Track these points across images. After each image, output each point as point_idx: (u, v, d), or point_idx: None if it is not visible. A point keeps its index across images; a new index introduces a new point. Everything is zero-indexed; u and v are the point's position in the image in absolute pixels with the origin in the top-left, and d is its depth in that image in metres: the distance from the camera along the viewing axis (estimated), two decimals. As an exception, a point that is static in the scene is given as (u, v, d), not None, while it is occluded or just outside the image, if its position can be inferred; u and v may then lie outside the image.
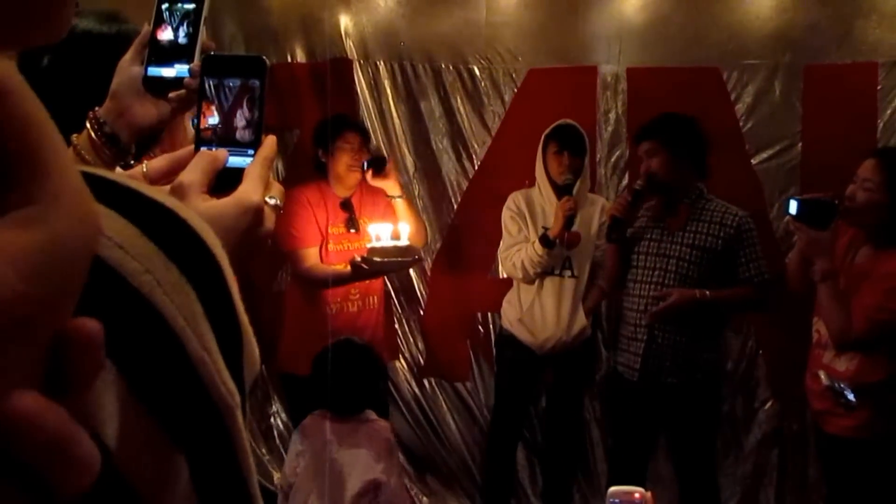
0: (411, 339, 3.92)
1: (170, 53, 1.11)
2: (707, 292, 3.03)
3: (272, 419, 3.97)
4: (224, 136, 0.82)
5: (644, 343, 3.08)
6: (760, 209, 3.53)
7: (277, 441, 3.94)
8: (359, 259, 3.14)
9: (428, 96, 3.86)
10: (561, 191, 3.26)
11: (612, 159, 3.79)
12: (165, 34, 1.12)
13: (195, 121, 0.84)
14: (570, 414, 3.53)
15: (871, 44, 3.54)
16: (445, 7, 3.81)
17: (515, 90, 3.82)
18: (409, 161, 3.87)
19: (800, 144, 3.62)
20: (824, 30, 3.50)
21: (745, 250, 3.04)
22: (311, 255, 3.34)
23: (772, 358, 3.62)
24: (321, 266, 3.34)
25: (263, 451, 3.93)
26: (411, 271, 3.79)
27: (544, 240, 3.25)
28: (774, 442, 3.66)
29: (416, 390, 3.86)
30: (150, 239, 0.36)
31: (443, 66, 3.84)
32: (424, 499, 3.85)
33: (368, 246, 3.14)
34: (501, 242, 3.44)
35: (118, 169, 1.15)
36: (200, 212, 0.70)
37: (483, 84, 3.83)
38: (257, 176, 0.78)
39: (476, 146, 3.87)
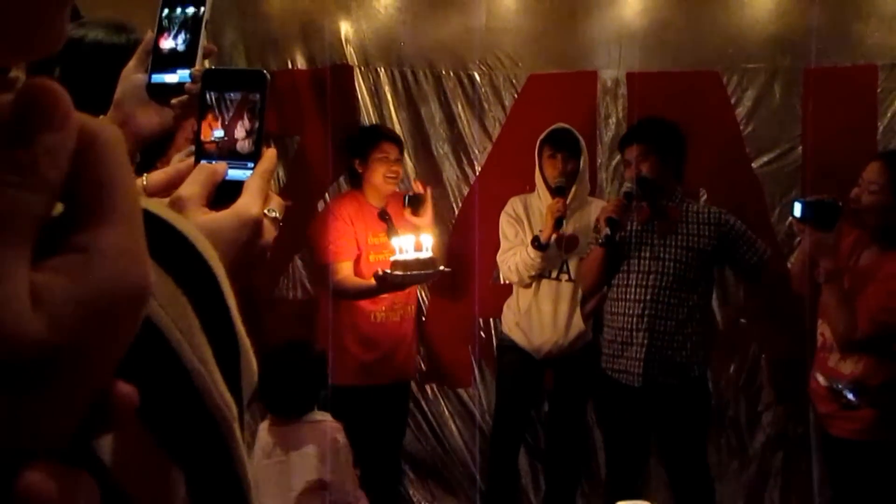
0: (413, 345, 3.92)
1: (172, 60, 1.12)
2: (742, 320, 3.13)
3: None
4: (224, 149, 0.82)
5: (645, 347, 3.08)
6: (762, 213, 3.53)
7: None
8: (381, 272, 3.17)
9: (428, 102, 3.86)
10: (556, 194, 3.26)
11: (613, 164, 3.79)
12: (168, 41, 1.12)
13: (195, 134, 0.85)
14: (572, 419, 3.52)
15: (871, 46, 3.55)
16: (445, 13, 3.81)
17: (516, 96, 3.82)
18: (410, 167, 3.87)
19: (800, 147, 3.61)
20: (823, 33, 3.49)
21: (740, 240, 3.10)
22: (343, 269, 3.38)
23: (775, 361, 3.62)
24: (351, 278, 3.38)
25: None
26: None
27: (536, 243, 3.26)
28: (779, 445, 3.65)
29: (419, 396, 3.85)
30: None
31: (443, 72, 3.85)
32: (427, 505, 3.85)
33: (392, 259, 3.18)
34: (500, 247, 3.45)
35: None
36: (199, 224, 0.70)
37: (483, 90, 3.83)
38: (256, 189, 0.78)
39: (477, 152, 3.87)
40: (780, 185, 3.62)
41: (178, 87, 1.12)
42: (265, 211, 0.78)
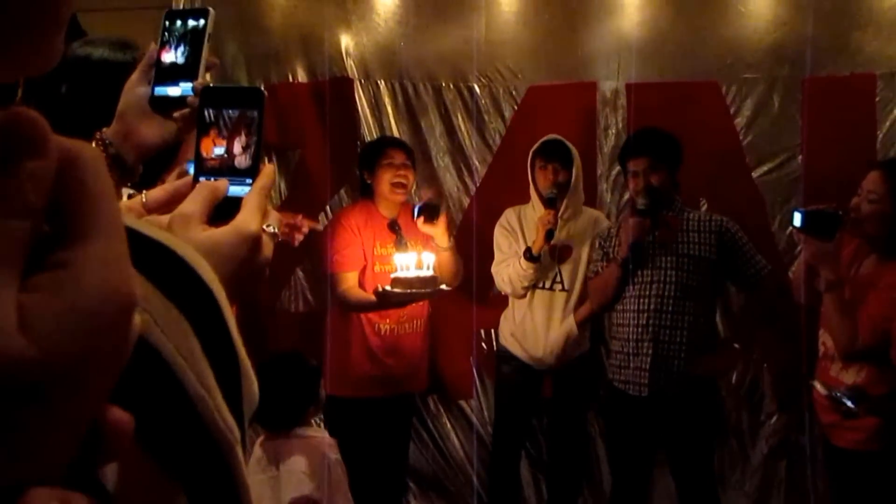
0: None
1: (175, 73, 1.13)
2: (736, 345, 3.18)
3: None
4: (223, 166, 0.83)
5: (650, 357, 3.08)
6: (762, 222, 3.54)
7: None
8: (381, 289, 3.14)
9: (428, 114, 3.88)
10: (548, 205, 3.27)
11: (613, 174, 3.80)
12: (170, 54, 1.14)
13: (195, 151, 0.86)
14: (571, 429, 3.52)
15: (869, 55, 3.56)
16: (445, 26, 3.83)
17: (515, 107, 3.83)
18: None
19: (800, 157, 3.62)
20: (822, 43, 3.51)
21: (740, 251, 3.10)
22: (348, 279, 3.36)
23: (777, 370, 3.61)
24: (355, 290, 3.36)
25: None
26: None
27: (528, 254, 3.28)
28: (782, 455, 3.64)
29: (421, 408, 3.85)
30: (146, 278, 0.36)
31: (443, 84, 3.86)
32: (430, 517, 3.83)
33: (392, 276, 3.15)
34: (494, 259, 3.47)
35: (124, 198, 1.16)
36: (198, 242, 0.70)
37: (483, 102, 3.85)
38: (255, 205, 0.78)
39: (477, 163, 3.88)
40: (781, 195, 3.63)
41: (181, 100, 1.13)
42: (264, 226, 0.78)
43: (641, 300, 3.11)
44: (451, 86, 3.85)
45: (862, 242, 2.71)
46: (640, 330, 3.11)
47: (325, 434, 2.74)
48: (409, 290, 3.12)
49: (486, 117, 3.85)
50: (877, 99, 3.56)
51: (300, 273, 3.93)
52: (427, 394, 3.83)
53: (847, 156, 3.34)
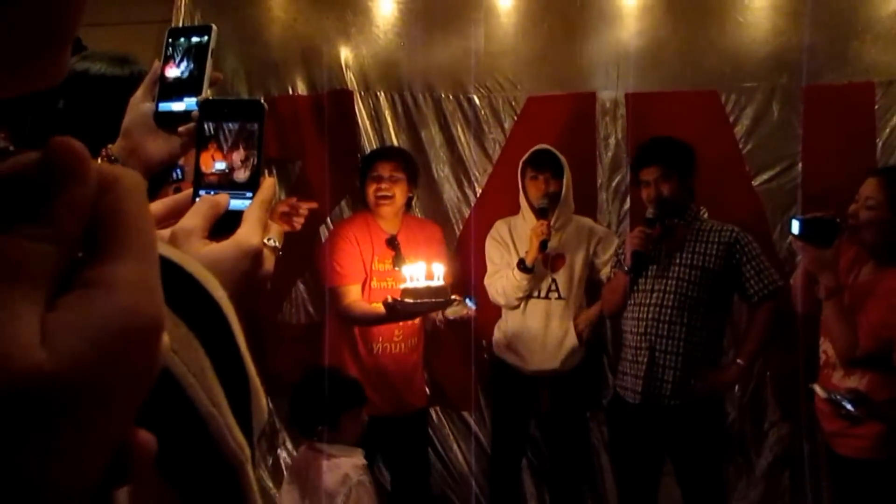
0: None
1: (179, 88, 1.14)
2: (739, 361, 3.11)
3: (278, 451, 3.95)
4: (223, 180, 0.83)
5: (645, 365, 3.08)
6: (763, 230, 3.53)
7: (285, 473, 3.91)
8: (391, 300, 3.08)
9: (428, 125, 3.88)
10: (539, 216, 3.27)
11: (613, 184, 3.80)
12: (174, 70, 1.14)
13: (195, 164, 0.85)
14: (570, 437, 3.50)
15: (868, 64, 3.57)
16: (444, 37, 3.84)
17: (515, 118, 3.84)
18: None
19: (800, 165, 3.62)
20: (821, 51, 3.52)
21: (749, 265, 3.06)
22: (351, 292, 3.31)
23: (780, 379, 3.60)
24: (360, 304, 3.30)
25: (273, 483, 3.91)
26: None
27: (522, 265, 3.29)
28: (786, 464, 3.63)
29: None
30: None
31: (443, 95, 3.87)
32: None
33: (401, 287, 3.09)
34: (486, 271, 3.47)
35: None
36: (200, 256, 0.70)
37: (483, 112, 3.85)
38: (256, 219, 0.78)
39: (477, 174, 3.88)
40: (781, 203, 3.63)
41: (185, 115, 1.13)
42: (265, 240, 0.78)
43: (641, 308, 3.11)
44: (451, 97, 3.86)
45: (860, 249, 2.71)
46: (638, 338, 3.11)
47: (357, 455, 2.74)
48: (419, 301, 3.05)
49: (485, 128, 3.86)
50: (875, 107, 3.57)
51: (301, 285, 3.94)
52: (430, 406, 3.82)
53: (846, 164, 3.34)
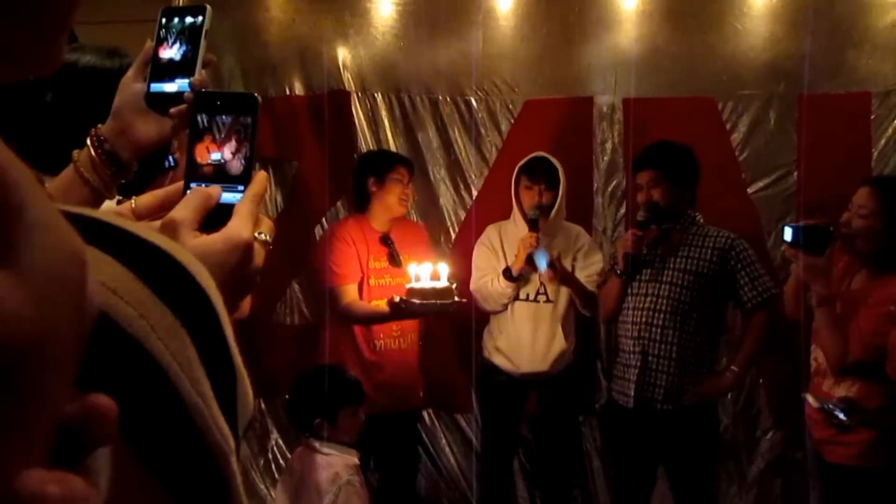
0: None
1: (172, 69, 1.12)
2: (733, 368, 3.11)
3: (269, 453, 3.94)
4: (215, 172, 0.82)
5: (637, 370, 3.08)
6: (758, 238, 3.54)
7: (276, 474, 3.90)
8: (398, 300, 3.10)
9: (425, 128, 3.89)
10: (530, 227, 3.28)
11: (610, 189, 3.81)
12: (167, 50, 1.13)
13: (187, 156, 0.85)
14: (561, 440, 3.50)
15: (864, 74, 3.58)
16: (442, 39, 3.84)
17: (512, 121, 3.85)
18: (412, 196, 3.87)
19: (796, 173, 3.63)
20: (818, 60, 3.53)
21: (743, 272, 3.06)
22: (350, 292, 3.33)
23: (773, 386, 3.61)
24: (360, 303, 3.33)
25: (265, 484, 3.90)
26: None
27: (508, 274, 3.31)
28: (778, 471, 3.63)
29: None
30: (144, 283, 0.35)
31: (440, 97, 3.87)
32: (424, 531, 3.81)
33: (407, 287, 3.11)
34: (472, 276, 3.46)
35: (111, 204, 1.15)
36: (190, 248, 0.70)
37: (480, 115, 3.86)
38: (247, 212, 0.77)
39: (473, 177, 3.88)
40: (776, 211, 3.64)
41: (178, 97, 1.11)
42: (255, 234, 0.77)
43: (635, 312, 3.12)
44: (449, 99, 3.87)
45: (853, 258, 2.72)
46: (631, 342, 3.12)
47: (351, 455, 2.76)
48: (424, 301, 3.07)
49: (482, 131, 3.86)
50: (872, 117, 3.58)
51: (296, 286, 3.93)
52: (423, 408, 3.82)
53: (842, 173, 3.35)
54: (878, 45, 3.56)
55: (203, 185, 0.81)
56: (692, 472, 3.12)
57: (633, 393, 3.09)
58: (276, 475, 3.87)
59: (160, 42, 1.13)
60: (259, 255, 0.78)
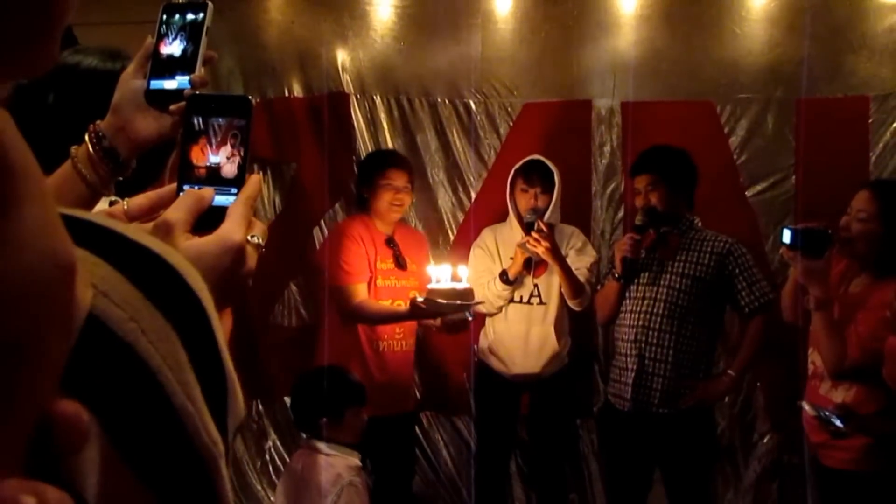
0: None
1: (172, 66, 1.11)
2: (730, 372, 3.12)
3: (266, 454, 3.94)
4: (208, 175, 0.82)
5: (634, 373, 3.08)
6: (756, 241, 3.55)
7: (273, 476, 3.90)
8: (420, 299, 3.08)
9: (424, 130, 3.89)
10: (527, 230, 3.28)
11: (608, 192, 3.81)
12: (168, 47, 1.12)
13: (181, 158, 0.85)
14: (555, 442, 3.50)
15: (862, 78, 3.58)
16: (441, 42, 3.84)
17: (511, 124, 3.85)
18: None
19: (793, 177, 3.64)
20: (816, 65, 3.53)
21: (741, 276, 3.07)
22: (361, 291, 3.29)
23: (770, 390, 3.61)
24: (372, 302, 3.31)
25: (262, 486, 3.89)
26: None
27: (504, 277, 3.32)
28: (774, 475, 3.63)
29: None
30: (135, 285, 0.35)
31: (439, 100, 3.87)
32: (421, 533, 3.81)
33: (429, 287, 3.10)
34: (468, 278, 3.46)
35: (104, 205, 1.14)
36: (182, 250, 0.70)
37: (479, 118, 3.86)
38: (240, 215, 0.77)
39: (472, 179, 3.89)
40: (774, 214, 3.64)
41: (178, 94, 1.10)
42: (248, 237, 0.77)
43: (632, 316, 3.12)
44: (447, 102, 3.87)
45: (851, 262, 2.72)
46: (628, 345, 3.12)
47: (353, 456, 2.76)
48: (446, 301, 3.06)
49: (481, 133, 3.86)
50: (870, 121, 3.59)
51: (293, 287, 3.93)
52: (421, 410, 3.82)
53: (840, 177, 3.35)
54: (876, 50, 3.57)
55: (196, 187, 0.81)
56: (689, 475, 3.12)
57: (629, 396, 3.09)
58: (274, 477, 3.87)
59: (161, 38, 1.12)
60: (251, 258, 0.77)
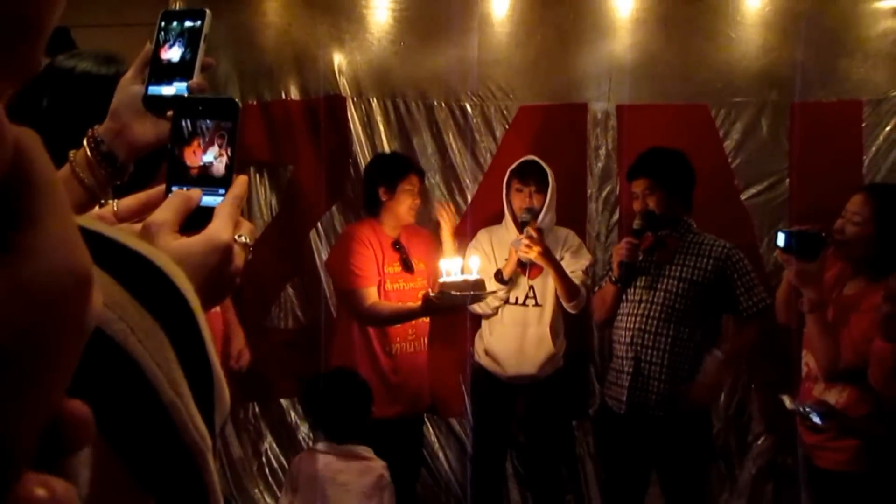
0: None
1: (170, 72, 1.13)
2: (717, 353, 3.12)
3: (263, 456, 3.94)
4: (196, 176, 0.84)
5: (630, 376, 3.09)
6: (750, 244, 3.56)
7: (270, 478, 3.91)
8: (433, 294, 3.11)
9: (420, 133, 3.90)
10: (521, 230, 3.29)
11: (603, 194, 3.83)
12: (166, 53, 1.13)
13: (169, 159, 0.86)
14: (549, 443, 3.51)
15: (856, 82, 3.60)
16: (438, 45, 3.86)
17: (507, 127, 3.86)
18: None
19: (787, 180, 3.65)
20: (810, 69, 3.55)
21: (739, 281, 3.07)
22: (372, 294, 3.31)
23: (765, 391, 3.62)
24: (383, 303, 3.32)
25: (258, 488, 3.90)
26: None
27: (499, 277, 3.33)
28: (769, 476, 3.65)
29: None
30: (123, 287, 0.37)
31: (435, 103, 3.88)
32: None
33: (440, 280, 3.12)
34: None
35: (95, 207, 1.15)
36: (170, 250, 0.71)
37: (475, 121, 3.87)
38: (227, 215, 0.78)
39: (468, 182, 3.90)
40: (769, 217, 3.66)
41: (175, 100, 1.12)
42: (236, 237, 0.78)
43: (629, 319, 3.13)
44: (444, 104, 3.88)
45: (845, 264, 2.73)
46: (624, 348, 3.13)
47: (377, 457, 2.83)
48: (460, 293, 3.08)
49: (477, 136, 3.88)
50: (863, 125, 3.61)
51: (290, 290, 3.93)
52: (429, 411, 3.82)
53: (834, 180, 3.37)
54: (870, 54, 3.59)
55: (184, 188, 0.82)
56: (684, 476, 3.13)
57: (625, 399, 3.10)
58: (270, 479, 3.88)
59: (159, 45, 1.13)
60: (239, 257, 0.78)
